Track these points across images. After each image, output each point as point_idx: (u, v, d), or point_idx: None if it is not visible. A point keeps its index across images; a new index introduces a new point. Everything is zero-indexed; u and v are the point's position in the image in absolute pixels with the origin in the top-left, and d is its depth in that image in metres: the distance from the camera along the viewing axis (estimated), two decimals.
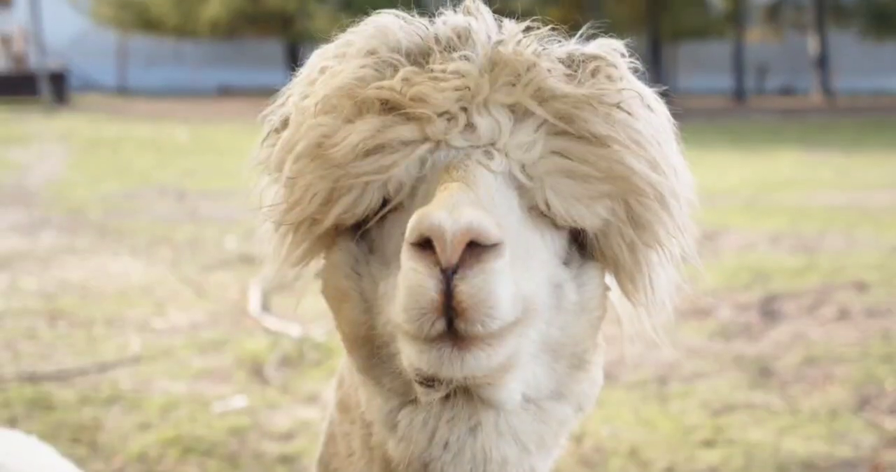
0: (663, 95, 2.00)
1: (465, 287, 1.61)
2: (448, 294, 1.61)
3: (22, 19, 46.90)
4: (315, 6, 48.61)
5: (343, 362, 2.11)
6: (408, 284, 1.63)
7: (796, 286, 11.02)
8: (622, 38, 1.99)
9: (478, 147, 1.79)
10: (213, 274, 11.48)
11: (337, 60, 1.90)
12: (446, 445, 1.84)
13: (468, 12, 1.96)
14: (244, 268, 11.38)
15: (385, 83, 1.80)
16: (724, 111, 47.86)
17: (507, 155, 1.80)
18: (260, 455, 6.44)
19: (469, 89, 1.79)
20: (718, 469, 6.33)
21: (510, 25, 1.94)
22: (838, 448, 6.60)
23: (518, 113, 1.81)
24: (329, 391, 2.20)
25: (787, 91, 65.56)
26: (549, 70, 1.82)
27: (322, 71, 1.92)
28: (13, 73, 45.62)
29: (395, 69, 1.83)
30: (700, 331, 9.26)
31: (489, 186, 1.74)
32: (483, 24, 1.92)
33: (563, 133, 1.81)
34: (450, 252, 1.60)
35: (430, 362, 1.66)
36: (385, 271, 1.83)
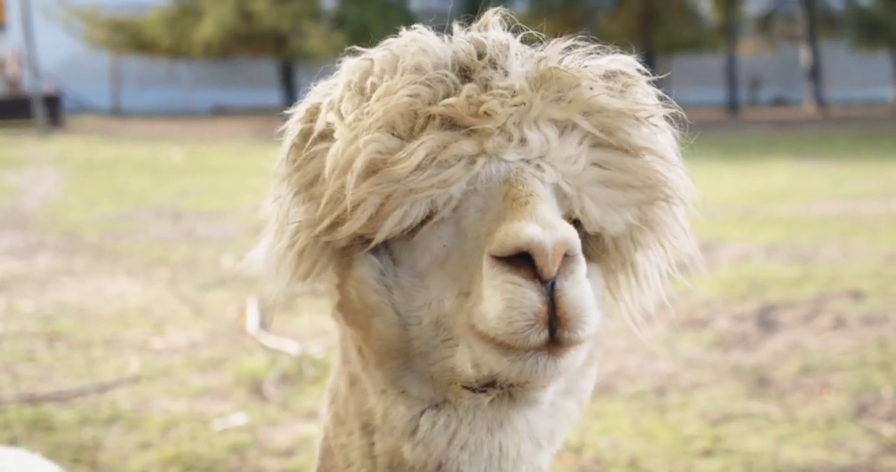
0: (670, 106, 2.07)
1: (567, 298, 1.70)
2: (551, 305, 1.69)
3: (15, 43, 47.01)
4: (309, 26, 48.67)
5: (335, 377, 2.15)
6: (509, 297, 1.69)
7: (792, 296, 11.06)
8: (617, 52, 2.05)
9: (528, 161, 1.85)
10: (211, 293, 11.49)
11: (383, 78, 1.90)
12: (464, 445, 1.92)
13: (485, 28, 2.02)
14: (241, 287, 11.40)
15: (452, 101, 1.83)
16: (718, 124, 47.95)
17: (554, 167, 1.86)
18: None
19: (524, 105, 1.84)
20: None
21: (552, 42, 1.99)
22: (837, 456, 6.63)
23: (563, 127, 1.88)
24: (322, 407, 2.22)
25: (780, 102, 65.75)
26: (591, 87, 1.89)
27: (360, 88, 1.92)
28: (7, 97, 45.75)
29: (446, 85, 1.86)
30: (698, 342, 9.29)
31: (549, 198, 1.82)
32: (515, 40, 1.98)
33: (602, 145, 1.89)
34: (551, 265, 1.68)
35: (524, 371, 1.75)
36: (419, 283, 1.86)
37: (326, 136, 1.92)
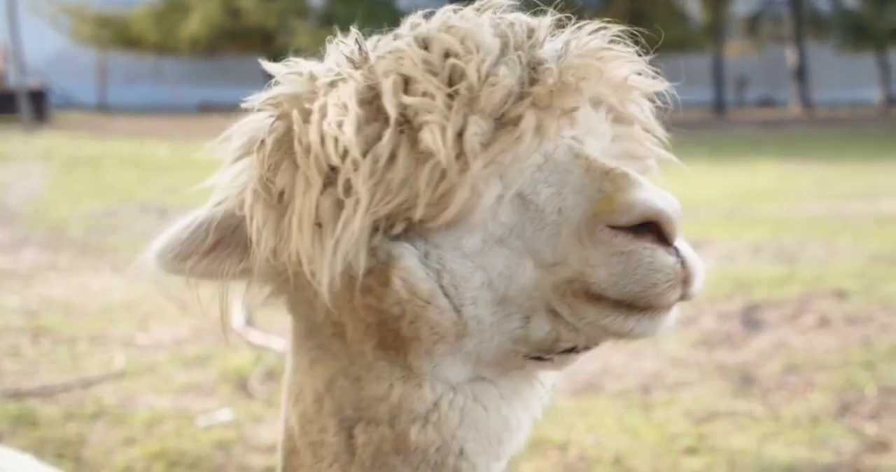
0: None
1: (689, 256, 1.83)
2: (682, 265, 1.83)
3: (1, 38, 46.79)
4: (296, 22, 48.66)
5: (297, 379, 2.12)
6: (650, 260, 1.80)
7: (777, 296, 11.10)
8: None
9: (574, 137, 1.93)
10: (197, 290, 11.44)
11: (462, 59, 1.86)
12: (474, 423, 1.98)
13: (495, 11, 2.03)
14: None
15: (550, 81, 1.84)
16: (705, 124, 48.11)
17: (588, 143, 1.96)
18: (245, 468, 6.45)
19: (574, 84, 1.89)
20: None
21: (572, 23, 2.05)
22: (820, 454, 6.66)
23: (594, 103, 1.97)
24: (283, 409, 2.20)
25: (766, 103, 66.02)
26: (617, 66, 1.97)
27: (432, 71, 1.86)
28: None
29: (521, 67, 1.88)
30: (683, 340, 9.32)
31: None
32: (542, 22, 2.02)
33: (617, 119, 2.02)
34: (677, 229, 1.81)
35: (647, 328, 1.87)
36: (470, 264, 1.86)
37: (399, 121, 1.82)
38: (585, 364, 8.43)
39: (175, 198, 19.64)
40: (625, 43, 2.04)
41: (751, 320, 10.13)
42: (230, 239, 2.04)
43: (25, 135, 35.80)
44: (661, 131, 2.09)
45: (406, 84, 1.84)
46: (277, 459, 2.25)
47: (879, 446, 6.81)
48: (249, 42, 53.01)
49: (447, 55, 1.87)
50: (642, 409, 7.55)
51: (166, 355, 8.91)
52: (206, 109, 54.76)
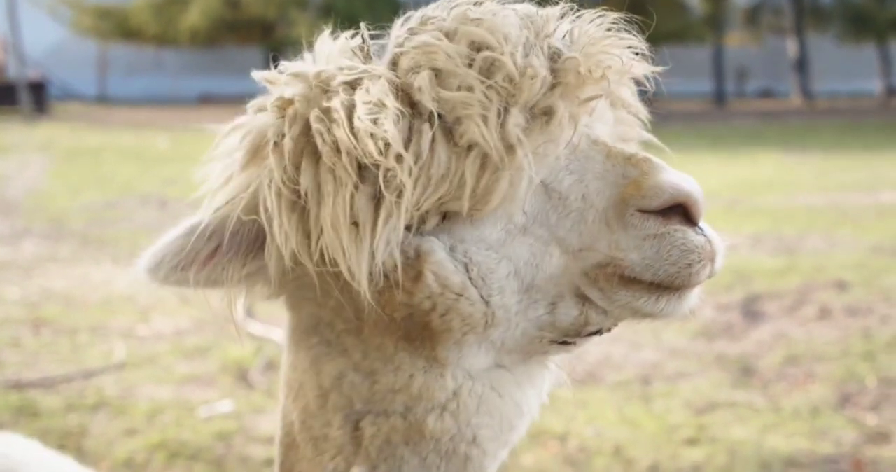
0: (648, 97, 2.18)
1: (713, 235, 1.92)
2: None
3: (1, 29, 46.72)
4: (296, 13, 48.58)
5: (296, 375, 2.12)
6: (680, 242, 1.87)
7: (777, 287, 11.11)
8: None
9: (587, 125, 1.95)
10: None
11: (497, 51, 1.87)
12: (489, 410, 2.00)
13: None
14: None
15: (582, 71, 1.88)
16: (705, 115, 48.08)
17: (596, 128, 1.99)
18: (246, 459, 6.46)
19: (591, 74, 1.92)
20: (702, 467, 6.38)
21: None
22: (820, 445, 6.67)
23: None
24: (281, 404, 2.20)
25: (766, 94, 65.93)
26: (620, 55, 1.99)
27: (468, 63, 1.86)
28: None
29: (546, 57, 1.90)
30: (683, 331, 9.33)
31: None
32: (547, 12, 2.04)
33: (614, 104, 2.06)
34: (703, 210, 1.91)
35: (678, 308, 1.94)
36: (495, 255, 1.88)
37: (432, 115, 1.82)
38: (585, 355, 8.45)
39: (175, 189, 19.63)
40: (622, 28, 2.06)
41: (751, 311, 10.14)
42: (230, 244, 2.01)
43: (25, 126, 35.77)
44: (644, 114, 2.14)
45: (438, 78, 1.84)
46: (275, 453, 2.24)
47: (880, 437, 6.82)
48: (249, 33, 52.93)
49: (479, 48, 1.87)
50: (642, 400, 7.56)
51: (167, 346, 8.92)
52: (207, 100, 54.72)
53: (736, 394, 7.69)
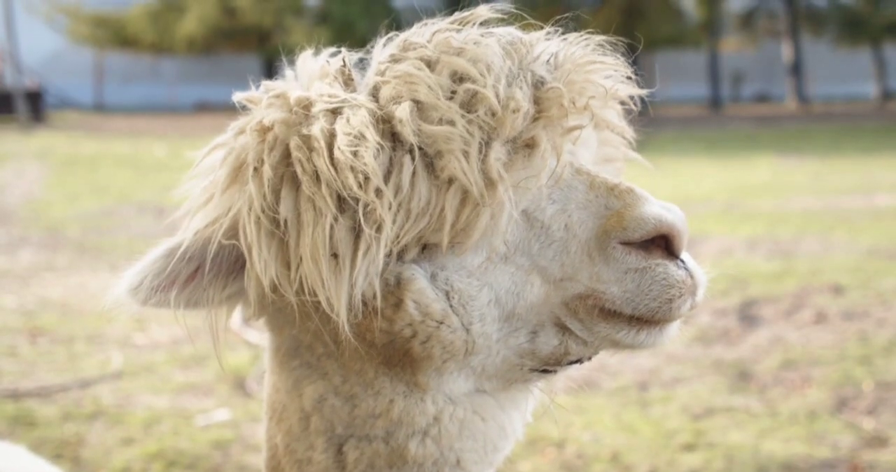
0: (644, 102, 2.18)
1: (695, 268, 1.90)
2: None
3: None
4: (292, 21, 48.60)
5: (279, 397, 2.12)
6: (661, 277, 1.85)
7: (774, 291, 11.12)
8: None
9: (570, 152, 1.95)
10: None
11: (478, 82, 1.85)
12: (472, 434, 2.01)
13: (480, 23, 2.02)
14: None
15: (565, 104, 1.87)
16: (701, 119, 48.10)
17: (580, 153, 2.00)
18: (244, 468, 6.45)
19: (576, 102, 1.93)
20: None
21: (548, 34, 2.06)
22: (817, 449, 6.67)
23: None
24: (264, 427, 2.20)
25: (762, 98, 66.03)
26: (604, 83, 1.99)
27: (448, 95, 1.85)
28: None
29: (528, 86, 1.89)
30: (679, 337, 9.30)
31: None
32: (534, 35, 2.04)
33: (596, 126, 2.05)
34: (685, 242, 1.88)
35: (657, 340, 1.94)
36: (476, 283, 1.87)
37: (413, 147, 1.80)
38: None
39: (172, 197, 19.58)
40: (608, 51, 2.05)
41: (747, 315, 10.14)
42: (211, 266, 1.99)
43: (22, 135, 35.76)
44: (630, 134, 2.13)
45: (420, 110, 1.83)
46: None
47: (877, 441, 6.82)
48: (245, 41, 52.95)
49: (461, 79, 1.86)
50: (639, 406, 7.56)
51: (164, 355, 8.91)
52: (203, 108, 54.75)
53: (733, 399, 7.70)
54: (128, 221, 17.06)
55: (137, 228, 16.26)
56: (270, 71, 51.88)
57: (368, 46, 2.04)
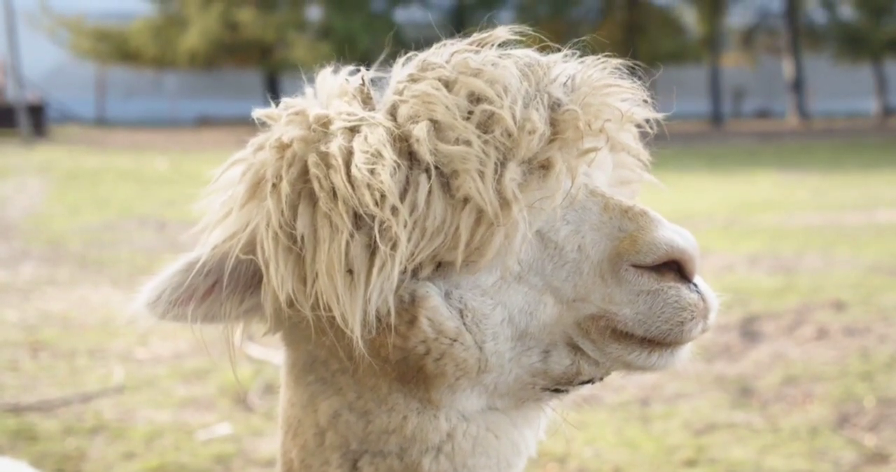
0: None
1: (707, 291, 1.93)
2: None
3: None
4: (294, 36, 48.69)
5: (294, 412, 2.14)
6: (674, 300, 1.88)
7: (775, 307, 11.11)
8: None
9: (585, 173, 1.96)
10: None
11: (496, 104, 1.87)
12: (485, 450, 2.02)
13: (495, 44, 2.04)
14: None
15: (581, 125, 1.89)
16: (702, 135, 48.15)
17: (595, 175, 2.02)
18: None
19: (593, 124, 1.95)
20: None
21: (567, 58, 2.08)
22: (819, 466, 6.66)
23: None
24: (280, 442, 2.21)
25: (763, 114, 66.09)
26: (620, 106, 2.00)
27: (465, 115, 1.86)
28: None
29: (545, 108, 1.91)
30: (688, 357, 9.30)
31: None
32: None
33: (612, 148, 2.06)
34: (697, 266, 1.90)
35: (668, 363, 1.97)
36: (490, 301, 1.89)
37: (429, 166, 1.82)
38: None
39: (174, 211, 19.64)
40: (623, 74, 2.07)
41: (749, 331, 10.14)
42: (229, 281, 2.01)
43: (24, 149, 35.80)
44: (646, 156, 2.15)
45: (437, 130, 1.84)
46: None
47: (878, 457, 6.81)
48: (248, 56, 53.03)
49: (478, 100, 1.87)
50: (641, 421, 7.56)
51: (165, 370, 8.90)
52: (205, 122, 54.82)
53: (734, 415, 7.69)
54: (129, 234, 17.07)
55: (139, 241, 16.26)
56: (272, 85, 52.00)
57: (376, 65, 2.06)
